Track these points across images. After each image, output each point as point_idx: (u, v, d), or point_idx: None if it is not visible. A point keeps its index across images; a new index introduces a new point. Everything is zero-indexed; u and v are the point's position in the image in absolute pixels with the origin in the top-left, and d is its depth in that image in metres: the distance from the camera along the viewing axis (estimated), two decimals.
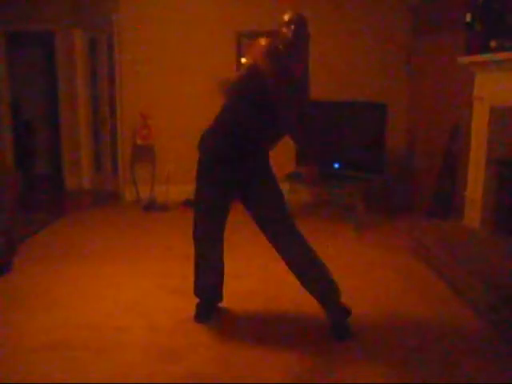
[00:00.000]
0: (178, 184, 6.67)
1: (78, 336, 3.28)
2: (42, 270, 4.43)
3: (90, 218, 6.24)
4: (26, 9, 7.27)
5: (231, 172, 3.16)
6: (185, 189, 6.38)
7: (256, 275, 4.29)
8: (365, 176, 5.70)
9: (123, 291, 4.01)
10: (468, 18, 4.48)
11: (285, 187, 6.37)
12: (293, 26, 3.02)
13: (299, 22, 3.05)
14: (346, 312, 3.28)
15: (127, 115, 6.81)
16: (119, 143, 7.05)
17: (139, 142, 6.65)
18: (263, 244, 3.38)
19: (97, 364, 2.96)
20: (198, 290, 3.50)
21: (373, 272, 4.40)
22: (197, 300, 3.52)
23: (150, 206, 6.54)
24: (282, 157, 6.39)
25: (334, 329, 3.25)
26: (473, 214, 4.68)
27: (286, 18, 3.05)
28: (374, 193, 6.03)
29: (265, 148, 3.27)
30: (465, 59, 4.58)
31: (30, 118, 8.82)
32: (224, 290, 3.56)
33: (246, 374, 2.87)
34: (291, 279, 3.34)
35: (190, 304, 3.53)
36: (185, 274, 3.91)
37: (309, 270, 3.28)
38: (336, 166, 5.95)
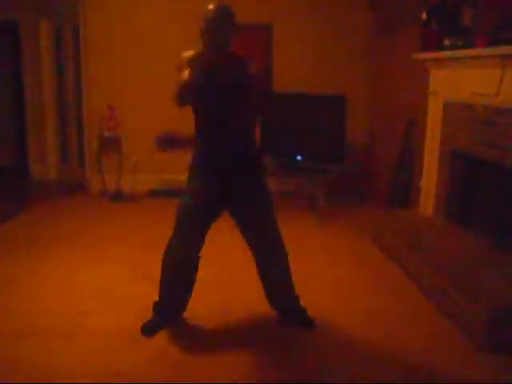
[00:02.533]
0: (145, 174, 6.77)
1: (46, 323, 3.37)
2: (9, 259, 4.50)
3: (56, 208, 6.29)
4: None
5: (212, 179, 3.15)
6: (151, 179, 6.50)
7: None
8: (326, 167, 5.89)
9: (90, 278, 4.11)
10: (424, 16, 4.68)
11: None
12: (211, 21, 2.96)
13: (219, 14, 2.98)
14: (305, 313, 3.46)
15: (94, 106, 6.86)
16: (86, 134, 7.09)
17: (106, 133, 6.72)
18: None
19: (64, 350, 3.06)
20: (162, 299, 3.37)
21: (332, 259, 4.60)
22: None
23: (117, 197, 6.62)
24: None
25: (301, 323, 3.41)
26: (427, 203, 4.93)
27: (207, 10, 2.99)
28: (335, 183, 6.22)
29: (244, 153, 3.22)
30: (420, 56, 4.79)
31: None
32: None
33: (210, 353, 3.03)
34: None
35: (156, 290, 3.65)
36: (151, 261, 4.01)
37: (284, 292, 3.44)
38: (298, 157, 6.14)
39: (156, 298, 3.40)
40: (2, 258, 4.53)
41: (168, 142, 3.17)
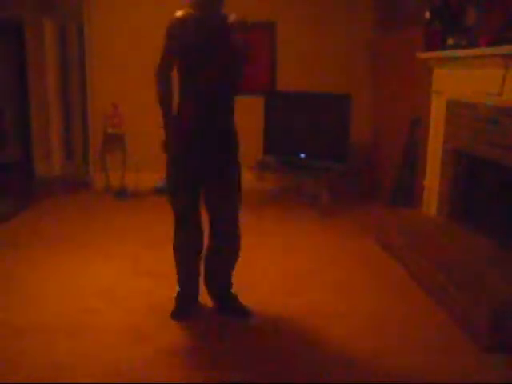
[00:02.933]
0: (148, 172, 6.79)
1: (51, 319, 3.40)
2: (14, 256, 4.52)
3: (60, 205, 6.33)
4: None
5: (189, 147, 3.20)
6: (155, 176, 6.52)
7: None
8: (329, 165, 5.91)
9: (94, 275, 4.14)
10: (427, 15, 4.69)
11: (252, 175, 6.60)
12: None
13: None
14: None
15: (98, 104, 6.89)
16: (90, 131, 7.13)
17: (110, 130, 6.75)
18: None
19: (69, 346, 3.09)
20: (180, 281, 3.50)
21: (334, 257, 4.62)
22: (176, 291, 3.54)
23: (121, 194, 6.65)
24: (249, 145, 6.60)
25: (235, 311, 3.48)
26: (430, 202, 4.94)
27: None
28: (338, 182, 6.23)
29: (219, 121, 3.24)
30: (423, 55, 4.80)
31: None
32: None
33: (221, 348, 3.07)
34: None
35: (162, 286, 3.69)
36: (155, 257, 4.05)
37: (223, 279, 3.50)
38: (302, 155, 6.16)
39: (160, 293, 3.44)
40: (5, 254, 4.56)
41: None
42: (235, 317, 3.43)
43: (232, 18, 3.16)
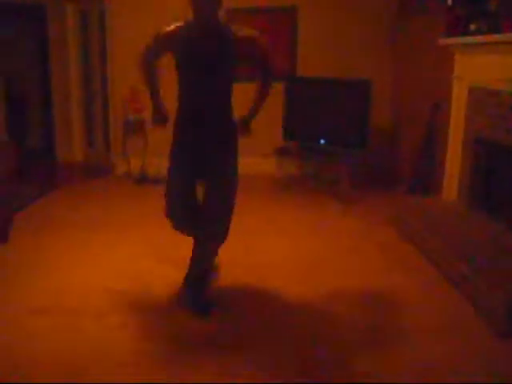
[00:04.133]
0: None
1: (72, 300, 3.49)
2: (37, 240, 4.62)
3: (82, 190, 6.41)
4: None
5: (188, 134, 3.28)
6: None
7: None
8: (350, 151, 5.90)
9: (116, 259, 4.21)
10: (449, 1, 4.64)
11: (272, 161, 6.62)
12: None
13: None
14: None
15: (119, 90, 6.93)
16: (111, 117, 7.19)
17: (131, 115, 6.79)
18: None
19: (92, 326, 3.18)
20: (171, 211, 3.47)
21: (355, 244, 4.62)
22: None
23: (142, 179, 6.71)
24: (270, 132, 6.61)
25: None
26: (450, 190, 4.91)
27: None
28: (358, 168, 6.22)
29: (215, 111, 3.25)
30: (445, 41, 4.75)
31: (22, 91, 8.88)
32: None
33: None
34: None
35: (181, 271, 3.72)
36: (175, 242, 4.08)
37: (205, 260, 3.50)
38: (322, 141, 6.15)
39: (181, 277, 3.49)
40: (31, 238, 4.65)
41: (163, 119, 3.43)
42: (191, 310, 3.38)
43: (241, 32, 3.15)
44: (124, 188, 6.52)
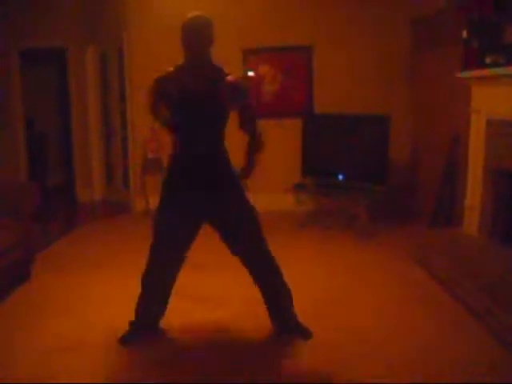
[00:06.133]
0: None
1: (95, 338, 3.47)
2: (59, 278, 4.63)
3: (102, 228, 6.45)
4: (38, 26, 7.51)
5: (187, 188, 3.25)
6: None
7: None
8: (369, 187, 5.88)
9: (136, 297, 4.18)
10: (464, 34, 4.68)
11: (290, 197, 6.62)
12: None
13: (195, 23, 3.14)
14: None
15: (138, 129, 7.02)
16: (130, 156, 7.27)
17: (150, 155, 6.87)
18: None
19: (115, 364, 3.17)
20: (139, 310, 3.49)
21: (373, 279, 4.56)
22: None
23: None
24: (287, 168, 6.63)
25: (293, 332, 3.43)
26: (471, 222, 4.86)
27: (185, 20, 3.17)
28: (377, 202, 6.19)
29: (214, 156, 3.28)
30: (462, 74, 4.77)
31: (43, 131, 9.05)
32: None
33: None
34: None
35: (199, 307, 3.71)
36: (194, 280, 4.09)
37: (278, 292, 3.45)
38: (340, 177, 6.14)
39: (198, 313, 3.47)
40: (52, 276, 4.66)
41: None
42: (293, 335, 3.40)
43: (231, 77, 3.20)
44: (143, 225, 6.51)
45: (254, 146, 3.34)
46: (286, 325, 3.46)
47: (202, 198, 3.23)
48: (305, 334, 3.41)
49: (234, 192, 3.30)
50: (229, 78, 3.18)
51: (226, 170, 3.29)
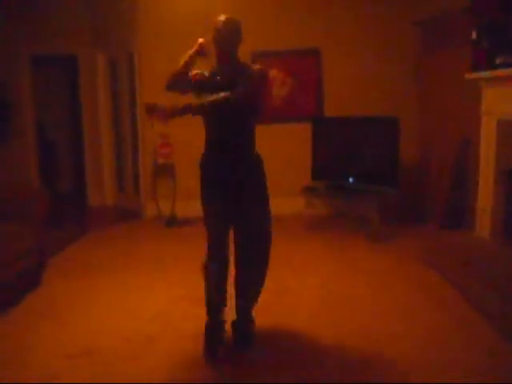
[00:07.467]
0: (198, 200, 6.84)
1: (108, 344, 3.48)
2: (71, 283, 4.66)
3: (113, 234, 6.47)
4: (49, 33, 7.56)
5: (215, 172, 3.44)
6: None
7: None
8: (379, 189, 5.86)
9: (149, 302, 4.20)
10: (474, 35, 4.65)
11: (301, 200, 6.61)
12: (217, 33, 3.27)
13: (225, 26, 3.25)
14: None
15: (148, 135, 7.04)
16: (141, 162, 7.29)
17: (160, 160, 6.89)
18: None
19: (128, 370, 3.17)
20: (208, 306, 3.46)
21: (386, 282, 4.54)
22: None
23: (171, 222, 6.75)
24: (297, 171, 6.63)
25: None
26: (483, 225, 4.82)
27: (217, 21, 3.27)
28: (388, 205, 6.16)
29: (238, 146, 3.38)
30: (471, 75, 4.75)
31: (54, 138, 9.10)
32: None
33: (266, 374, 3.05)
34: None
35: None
36: None
37: (252, 296, 3.48)
38: (351, 180, 6.13)
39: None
40: (64, 282, 4.69)
41: (153, 109, 3.53)
42: (236, 344, 3.41)
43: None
44: (155, 231, 6.56)
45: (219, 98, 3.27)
46: (237, 320, 3.47)
47: (228, 182, 3.40)
48: (245, 339, 3.41)
49: (257, 195, 3.39)
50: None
51: (255, 169, 3.39)
